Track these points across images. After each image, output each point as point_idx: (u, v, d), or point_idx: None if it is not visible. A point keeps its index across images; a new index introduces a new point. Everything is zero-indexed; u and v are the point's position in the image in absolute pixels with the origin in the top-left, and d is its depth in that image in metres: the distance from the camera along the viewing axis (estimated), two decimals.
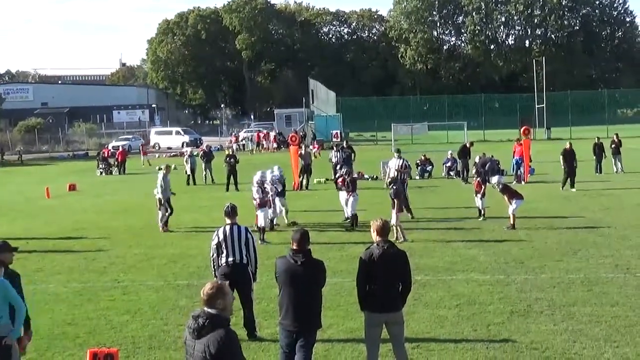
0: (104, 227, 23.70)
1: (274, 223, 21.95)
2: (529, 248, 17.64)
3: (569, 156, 29.73)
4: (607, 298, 12.95)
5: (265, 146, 67.25)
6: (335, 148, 34.32)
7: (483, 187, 22.22)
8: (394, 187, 20.14)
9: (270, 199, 21.36)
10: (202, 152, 40.37)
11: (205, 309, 6.11)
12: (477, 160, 28.45)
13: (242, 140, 72.31)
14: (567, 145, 30.56)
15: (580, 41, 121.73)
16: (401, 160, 24.36)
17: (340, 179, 23.17)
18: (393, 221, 18.66)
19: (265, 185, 21.36)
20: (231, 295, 6.32)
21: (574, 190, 28.57)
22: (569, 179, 29.32)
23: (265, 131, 72.16)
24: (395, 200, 19.58)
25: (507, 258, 16.55)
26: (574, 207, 24.34)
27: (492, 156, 31.39)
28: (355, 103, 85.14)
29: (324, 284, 8.96)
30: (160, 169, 24.79)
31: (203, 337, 5.97)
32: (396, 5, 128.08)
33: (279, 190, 22.45)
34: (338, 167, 28.54)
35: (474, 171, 27.59)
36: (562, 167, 29.96)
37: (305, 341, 8.68)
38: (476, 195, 22.40)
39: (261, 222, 19.74)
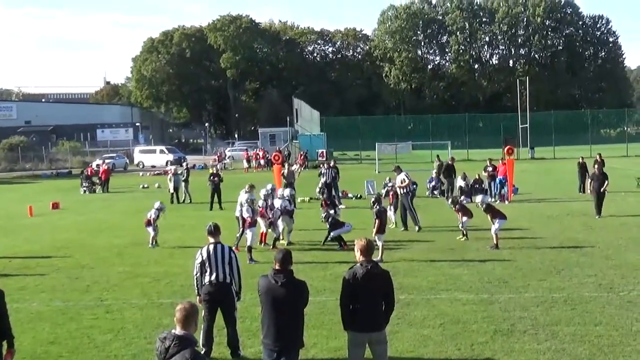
0: (87, 245, 23.58)
1: (289, 241, 22.04)
2: (512, 267, 17.67)
3: (598, 179, 27.31)
4: (590, 317, 12.98)
5: (256, 165, 67.10)
6: (324, 165, 34.43)
7: (467, 209, 22.28)
8: (378, 207, 20.14)
9: (274, 217, 21.53)
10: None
11: (173, 330, 6.15)
12: (461, 181, 28.48)
13: (227, 159, 72.23)
14: (595, 169, 28.22)
15: (564, 61, 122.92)
16: (403, 175, 25.78)
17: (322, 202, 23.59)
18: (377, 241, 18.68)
19: (271, 202, 21.75)
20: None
21: (598, 217, 26.42)
22: (598, 204, 26.94)
23: (255, 150, 71.95)
24: (377, 221, 19.58)
25: (491, 277, 16.57)
26: (557, 227, 24.43)
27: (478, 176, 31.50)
28: (340, 122, 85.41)
29: (306, 304, 8.92)
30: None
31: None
32: (380, 25, 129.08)
33: (290, 209, 22.58)
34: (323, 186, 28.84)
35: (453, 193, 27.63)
36: (589, 191, 28.09)
37: None
38: (458, 214, 22.43)
39: (250, 242, 19.60)
